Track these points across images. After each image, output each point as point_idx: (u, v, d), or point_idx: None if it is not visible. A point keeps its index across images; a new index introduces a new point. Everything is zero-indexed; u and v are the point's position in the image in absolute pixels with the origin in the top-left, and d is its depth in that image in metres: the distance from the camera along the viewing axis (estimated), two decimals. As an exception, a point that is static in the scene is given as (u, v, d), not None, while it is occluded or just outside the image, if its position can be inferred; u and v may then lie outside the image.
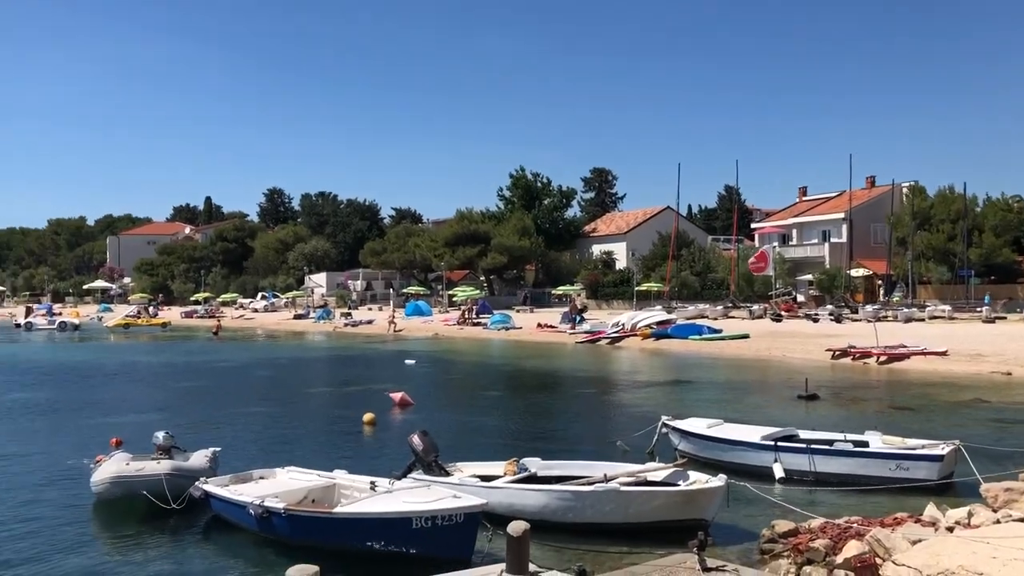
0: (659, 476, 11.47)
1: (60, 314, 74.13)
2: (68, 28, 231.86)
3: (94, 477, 12.52)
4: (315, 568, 6.15)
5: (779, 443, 13.60)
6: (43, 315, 72.26)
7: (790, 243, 68.08)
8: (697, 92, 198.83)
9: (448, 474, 11.70)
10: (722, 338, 39.97)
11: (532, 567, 7.42)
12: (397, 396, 22.66)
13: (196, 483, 11.67)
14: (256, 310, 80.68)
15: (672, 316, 46.04)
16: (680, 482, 11.11)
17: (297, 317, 71.52)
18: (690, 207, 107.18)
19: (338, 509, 10.04)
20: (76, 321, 68.58)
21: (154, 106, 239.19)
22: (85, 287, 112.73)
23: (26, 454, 16.69)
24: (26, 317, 70.65)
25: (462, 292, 68.56)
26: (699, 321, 46.34)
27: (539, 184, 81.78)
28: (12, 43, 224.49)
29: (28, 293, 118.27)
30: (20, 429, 19.84)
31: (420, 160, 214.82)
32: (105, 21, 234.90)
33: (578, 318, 49.88)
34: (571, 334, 46.44)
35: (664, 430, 15.31)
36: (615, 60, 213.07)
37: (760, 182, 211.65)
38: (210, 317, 73.48)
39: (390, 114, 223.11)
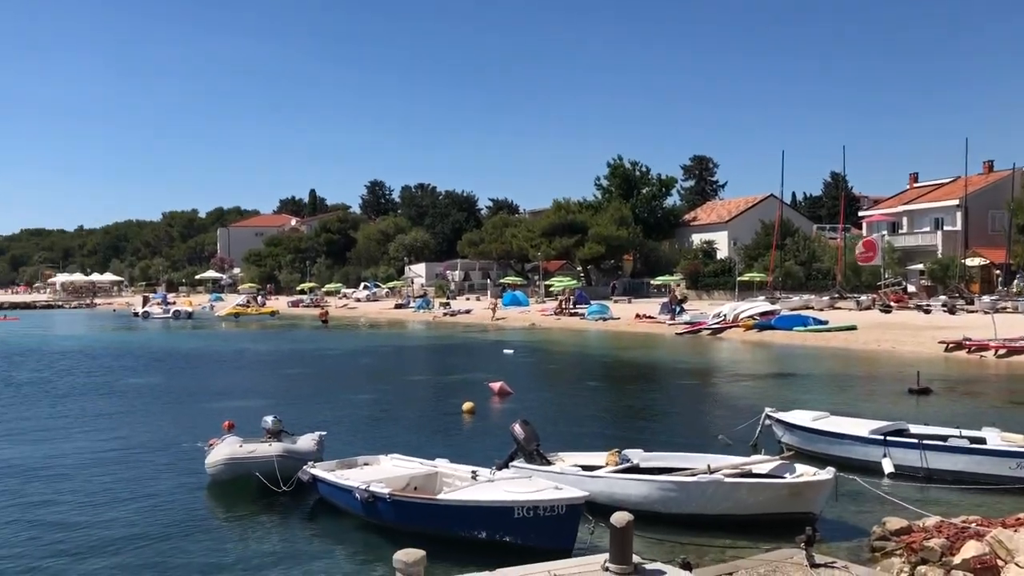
0: (764, 468, 11.23)
1: (174, 303, 77.53)
2: (170, 30, 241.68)
3: (209, 459, 13.04)
4: (422, 552, 6.26)
5: (889, 437, 13.13)
6: (159, 304, 75.68)
7: (900, 231, 65.45)
8: (802, 78, 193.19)
9: (550, 463, 11.72)
10: (828, 329, 38.80)
11: (635, 558, 7.38)
12: (496, 385, 22.84)
13: (304, 467, 12.06)
14: (359, 299, 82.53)
15: (776, 307, 44.93)
16: (786, 475, 10.85)
17: (398, 306, 72.83)
18: (794, 195, 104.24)
19: (441, 496, 10.20)
20: (189, 310, 71.63)
21: (260, 103, 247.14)
22: (197, 277, 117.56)
23: (146, 437, 17.53)
24: (143, 306, 74.10)
25: (559, 282, 68.53)
26: (804, 312, 45.05)
27: (637, 173, 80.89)
28: (123, 43, 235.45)
29: (144, 283, 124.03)
30: (140, 413, 20.85)
31: (517, 151, 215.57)
32: (208, 22, 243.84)
33: (678, 309, 49.20)
34: (670, 325, 45.86)
35: (767, 422, 14.99)
36: (715, 47, 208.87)
37: (868, 169, 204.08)
38: (315, 306, 75.55)
39: (487, 106, 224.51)
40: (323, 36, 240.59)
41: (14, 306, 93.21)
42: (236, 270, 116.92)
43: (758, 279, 60.04)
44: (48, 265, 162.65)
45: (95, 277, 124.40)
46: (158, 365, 32.66)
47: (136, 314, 71.56)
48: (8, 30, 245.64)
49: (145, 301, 78.86)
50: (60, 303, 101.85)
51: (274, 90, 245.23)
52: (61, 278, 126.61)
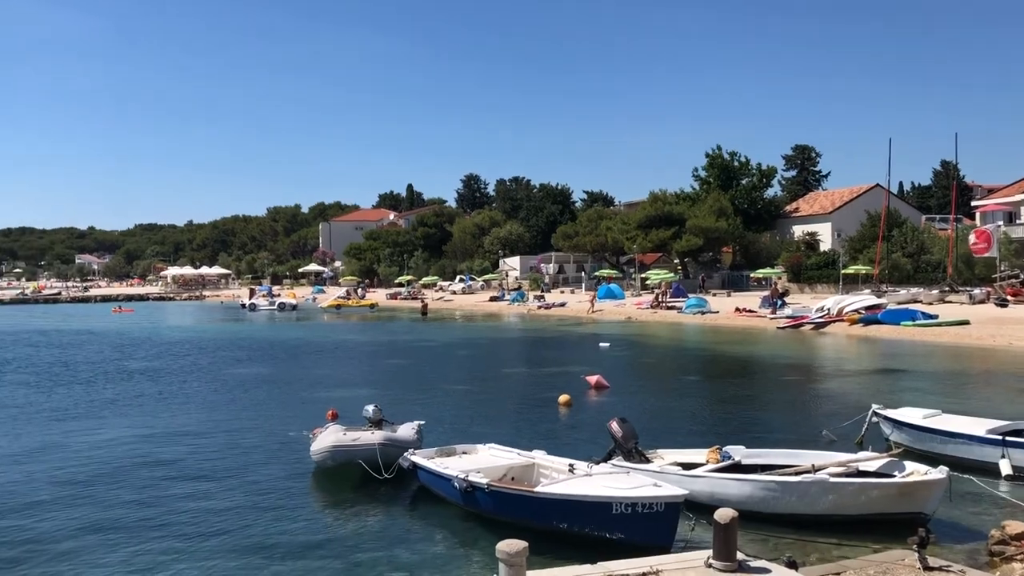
0: (872, 467, 10.86)
1: (279, 295, 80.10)
2: (272, 28, 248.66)
3: (314, 446, 13.42)
4: (524, 544, 6.29)
5: (1007, 437, 12.51)
6: (264, 296, 78.31)
7: (1017, 221, 62.20)
8: (911, 60, 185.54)
9: (648, 461, 11.60)
10: (938, 324, 37.19)
11: (739, 555, 7.24)
12: (593, 379, 22.75)
13: (405, 454, 12.29)
14: (454, 292, 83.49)
15: (882, 300, 43.33)
16: (896, 473, 10.46)
17: (493, 299, 73.33)
18: (901, 184, 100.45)
19: (539, 488, 10.21)
20: (293, 302, 73.85)
21: (359, 100, 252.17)
22: (300, 270, 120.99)
23: (253, 424, 18.16)
24: (250, 298, 76.79)
25: (655, 275, 67.80)
26: (912, 306, 43.30)
27: (736, 163, 79.16)
28: (227, 42, 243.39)
29: (250, 276, 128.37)
30: (247, 401, 21.60)
31: (612, 143, 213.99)
32: (308, 19, 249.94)
33: (779, 302, 47.99)
34: (771, 319, 44.77)
35: (874, 420, 14.48)
36: (817, 29, 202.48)
37: (983, 156, 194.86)
38: (412, 299, 76.80)
39: (581, 97, 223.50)
40: (418, 31, 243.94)
41: (129, 298, 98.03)
42: (337, 263, 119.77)
43: (863, 272, 58.05)
44: (160, 259, 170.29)
45: (204, 270, 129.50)
46: (264, 355, 33.75)
47: (243, 306, 74.10)
48: (108, 27, 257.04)
49: (251, 294, 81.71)
50: (171, 295, 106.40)
51: (372, 86, 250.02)
52: (172, 271, 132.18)
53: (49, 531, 10.70)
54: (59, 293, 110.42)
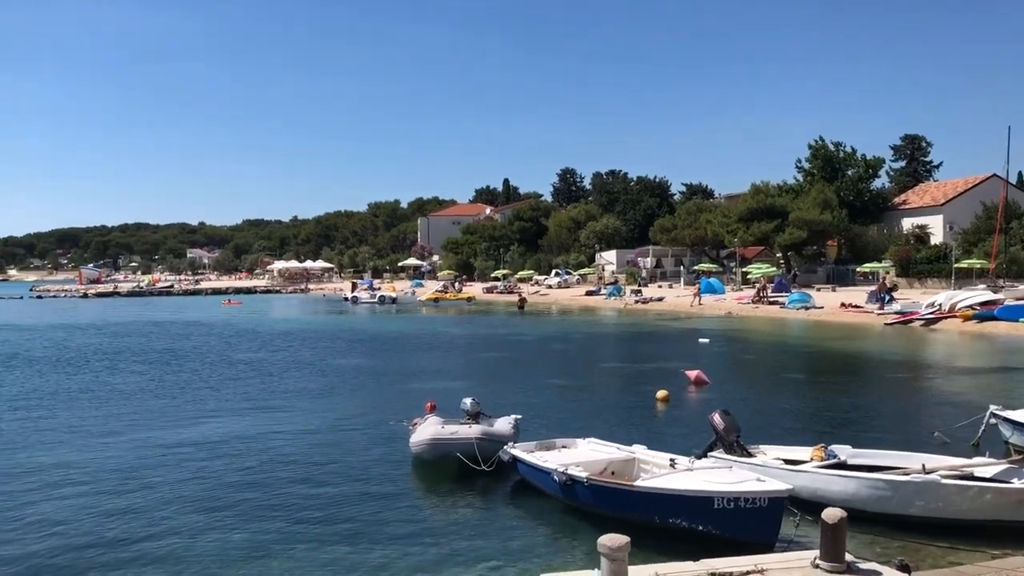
0: (988, 472, 10.40)
1: (380, 289, 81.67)
2: (363, 25, 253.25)
3: (413, 438, 13.70)
4: (626, 538, 6.28)
5: None
6: (366, 290, 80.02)
7: None
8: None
9: (751, 456, 11.40)
10: (1062, 321, 35.26)
11: (847, 556, 7.06)
12: (693, 374, 22.47)
13: (504, 447, 12.41)
14: (550, 286, 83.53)
15: (999, 296, 41.30)
16: (1015, 479, 10.00)
17: (588, 293, 73.06)
18: (1020, 175, 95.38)
19: (639, 483, 10.16)
20: (393, 295, 75.28)
21: (454, 95, 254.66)
22: (399, 264, 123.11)
23: (354, 414, 18.64)
24: (352, 292, 78.62)
25: (757, 269, 66.30)
26: (1032, 302, 41.15)
27: (841, 154, 76.61)
28: (324, 41, 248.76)
29: (352, 270, 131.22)
30: (348, 391, 22.18)
31: (712, 135, 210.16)
32: (400, 16, 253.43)
33: (887, 297, 46.30)
34: (879, 315, 43.24)
35: (992, 421, 13.83)
36: (927, 16, 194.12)
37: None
38: (509, 293, 77.22)
39: (679, 88, 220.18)
40: (517, 30, 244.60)
41: (238, 291, 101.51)
42: (435, 257, 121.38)
43: (978, 266, 55.42)
44: (267, 253, 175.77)
45: (308, 264, 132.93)
46: (365, 347, 34.54)
47: (346, 299, 75.96)
48: (216, 30, 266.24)
49: (354, 287, 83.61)
50: (277, 288, 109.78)
51: (467, 81, 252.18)
52: (278, 265, 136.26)
53: (164, 512, 11.23)
54: (172, 286, 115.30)
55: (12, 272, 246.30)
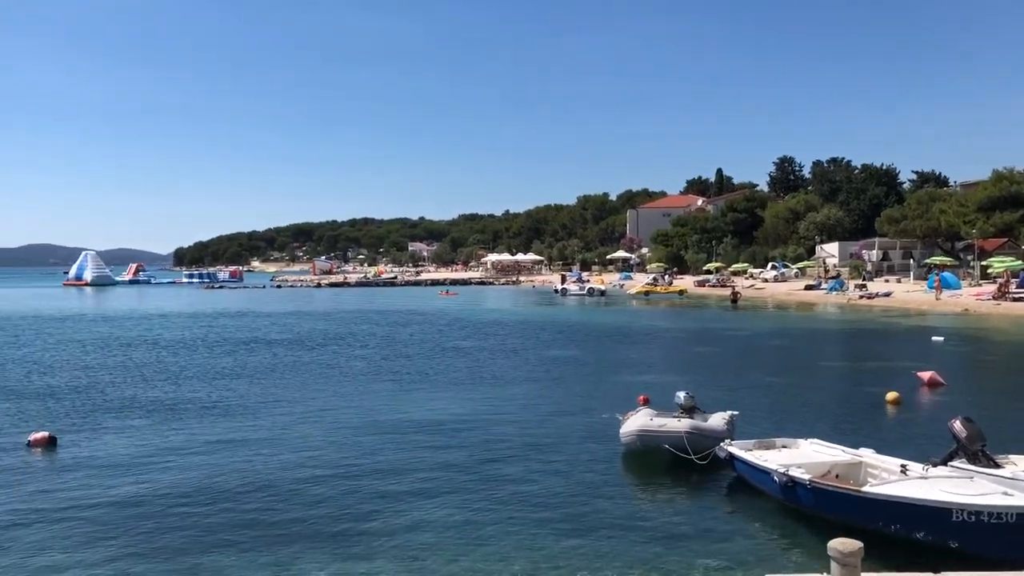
0: None
1: (588, 281, 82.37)
2: (582, 27, 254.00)
3: (622, 429, 13.82)
4: (859, 544, 5.98)
5: None
6: (575, 282, 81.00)
7: None
8: None
9: (998, 466, 10.46)
10: None
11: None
12: (926, 375, 20.96)
13: (721, 444, 12.17)
14: (766, 280, 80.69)
15: None
16: None
17: (808, 288, 69.89)
18: None
19: (867, 488, 9.62)
20: (602, 288, 75.60)
21: (667, 88, 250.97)
22: (608, 257, 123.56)
23: (567, 405, 18.89)
24: (561, 284, 79.84)
25: (999, 263, 60.67)
26: None
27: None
28: (534, 47, 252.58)
29: (561, 263, 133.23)
30: (561, 382, 22.52)
31: (945, 117, 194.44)
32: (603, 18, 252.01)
33: None
34: None
35: None
36: None
37: None
38: (722, 286, 75.40)
39: (906, 69, 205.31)
40: (733, 12, 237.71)
41: (454, 282, 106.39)
42: (644, 250, 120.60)
43: None
44: (480, 246, 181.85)
45: (519, 257, 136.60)
46: (575, 338, 34.94)
47: (556, 291, 77.25)
48: (431, 32, 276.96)
49: (563, 279, 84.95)
50: (490, 280, 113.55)
51: (680, 73, 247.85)
52: (491, 258, 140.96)
53: (384, 488, 11.92)
54: (395, 277, 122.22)
55: (255, 263, 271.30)
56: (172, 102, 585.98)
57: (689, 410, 13.92)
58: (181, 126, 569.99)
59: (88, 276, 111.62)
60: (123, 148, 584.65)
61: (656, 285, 73.58)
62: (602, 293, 72.87)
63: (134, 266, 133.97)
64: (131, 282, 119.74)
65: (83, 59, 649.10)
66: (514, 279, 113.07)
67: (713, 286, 78.33)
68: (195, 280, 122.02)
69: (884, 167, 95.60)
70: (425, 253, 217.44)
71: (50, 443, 14.98)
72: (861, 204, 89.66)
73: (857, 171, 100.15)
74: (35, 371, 25.56)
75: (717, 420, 13.60)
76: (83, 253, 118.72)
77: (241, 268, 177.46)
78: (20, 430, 16.22)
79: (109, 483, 12.41)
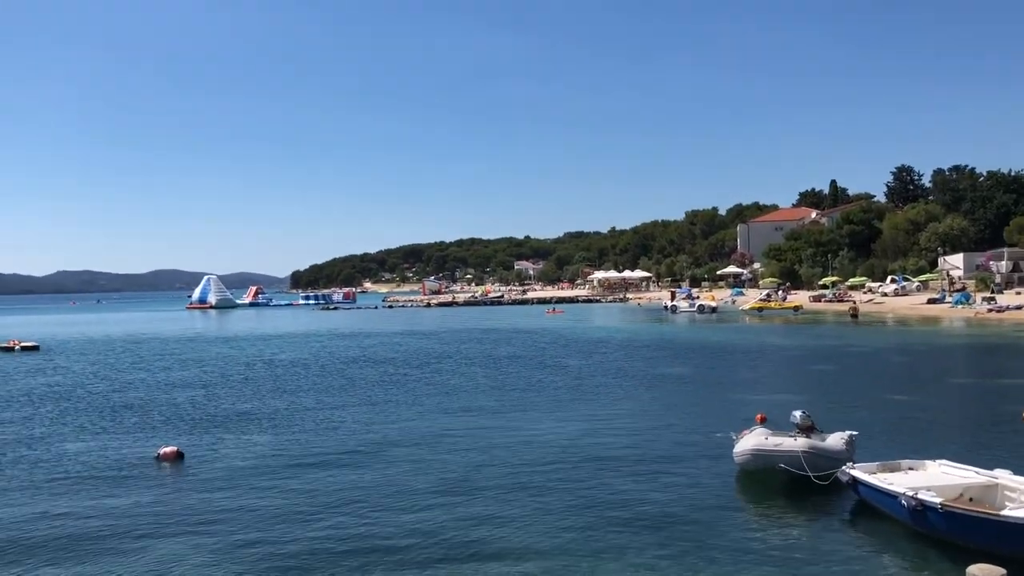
0: None
1: (698, 298, 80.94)
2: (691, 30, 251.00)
3: (736, 448, 13.50)
4: (1001, 571, 5.62)
5: None
6: (684, 299, 79.71)
7: None
8: None
9: None
10: None
11: None
12: (1065, 393, 19.67)
13: (843, 467, 11.73)
14: (885, 294, 77.61)
15: None
16: None
17: (931, 301, 66.80)
18: None
19: (1007, 512, 9.07)
20: (713, 304, 74.16)
21: (775, 95, 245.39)
22: (718, 272, 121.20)
23: (680, 423, 18.59)
24: (671, 300, 78.76)
25: None
26: None
27: None
28: (638, 60, 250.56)
29: (669, 279, 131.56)
30: (674, 400, 22.16)
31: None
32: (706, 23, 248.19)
33: None
34: None
35: None
36: None
37: None
38: (839, 301, 72.88)
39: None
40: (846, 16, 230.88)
41: (560, 300, 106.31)
42: (755, 265, 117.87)
43: None
44: (586, 263, 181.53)
45: (626, 274, 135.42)
46: (687, 356, 34.33)
47: (665, 308, 76.23)
48: (532, 44, 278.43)
49: (672, 296, 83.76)
50: (597, 298, 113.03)
51: (792, 78, 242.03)
52: (598, 275, 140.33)
53: (496, 511, 11.94)
54: (502, 296, 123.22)
55: (367, 284, 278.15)
56: (286, 128, 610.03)
57: (806, 429, 13.51)
58: (296, 150, 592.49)
59: (212, 299, 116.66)
60: (241, 173, 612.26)
61: (770, 301, 71.72)
62: (713, 310, 71.51)
63: (253, 288, 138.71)
64: (251, 304, 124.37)
65: (206, 85, 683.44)
66: (622, 296, 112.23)
67: (829, 301, 75.82)
68: (311, 302, 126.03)
69: (1012, 173, 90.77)
70: (531, 271, 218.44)
71: (178, 457, 15.68)
72: (987, 213, 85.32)
73: (982, 178, 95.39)
74: (162, 387, 26.88)
75: (836, 440, 13.14)
76: (206, 277, 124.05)
77: (354, 289, 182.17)
78: (149, 444, 17.02)
79: (233, 496, 12.93)
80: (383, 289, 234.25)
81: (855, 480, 11.42)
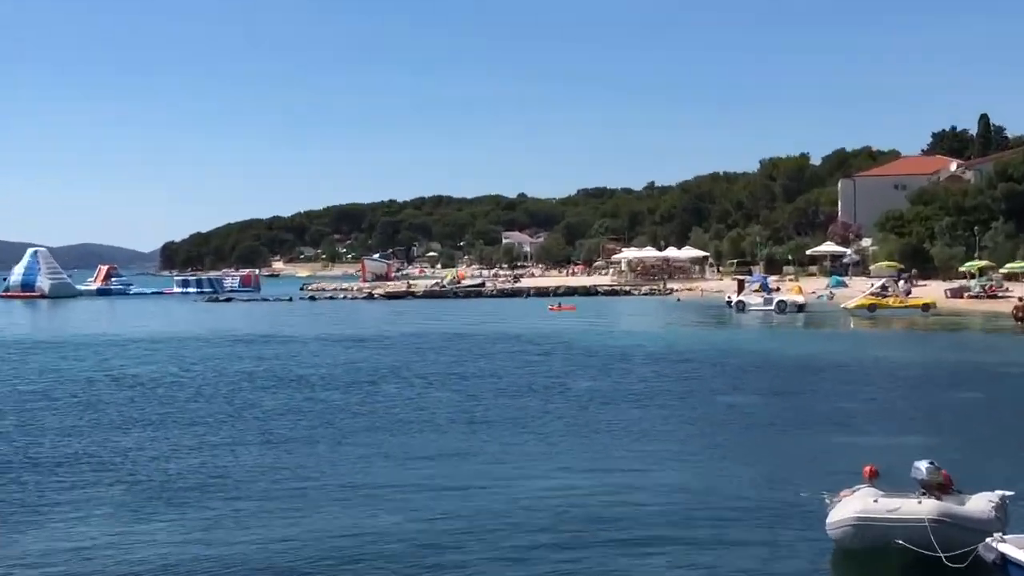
0: None
1: (778, 289, 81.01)
2: None
3: (831, 516, 13.56)
4: None
5: None
6: (757, 291, 79.57)
7: None
8: None
9: None
10: None
11: None
12: None
13: (987, 540, 11.80)
14: (1065, 286, 78.25)
15: None
16: None
17: None
18: None
19: None
20: (800, 300, 74.20)
21: None
22: (808, 252, 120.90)
23: (749, 476, 18.67)
24: (737, 293, 78.72)
25: None
26: None
27: None
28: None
29: (735, 261, 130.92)
30: (741, 443, 22.35)
31: None
32: None
33: None
34: None
35: None
36: None
37: None
38: (991, 296, 73.21)
39: None
40: None
41: (571, 292, 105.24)
42: (865, 241, 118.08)
43: None
44: (611, 236, 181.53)
45: (670, 253, 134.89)
46: (761, 376, 34.55)
47: (728, 303, 76.15)
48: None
49: (740, 287, 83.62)
50: (626, 288, 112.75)
51: None
52: (627, 254, 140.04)
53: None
54: (482, 284, 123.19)
55: (277, 265, 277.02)
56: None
57: (935, 487, 13.51)
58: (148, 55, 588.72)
59: (42, 283, 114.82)
60: (77, 95, 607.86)
61: (886, 296, 71.90)
62: (799, 308, 71.70)
63: (104, 269, 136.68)
64: (99, 292, 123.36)
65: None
66: (662, 286, 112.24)
67: (977, 296, 76.08)
68: (191, 289, 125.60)
69: None
70: (527, 248, 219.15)
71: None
72: None
73: None
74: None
75: (981, 503, 13.25)
76: (30, 251, 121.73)
77: (257, 271, 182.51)
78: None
79: None
80: (302, 272, 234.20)
81: (1005, 559, 11.55)
